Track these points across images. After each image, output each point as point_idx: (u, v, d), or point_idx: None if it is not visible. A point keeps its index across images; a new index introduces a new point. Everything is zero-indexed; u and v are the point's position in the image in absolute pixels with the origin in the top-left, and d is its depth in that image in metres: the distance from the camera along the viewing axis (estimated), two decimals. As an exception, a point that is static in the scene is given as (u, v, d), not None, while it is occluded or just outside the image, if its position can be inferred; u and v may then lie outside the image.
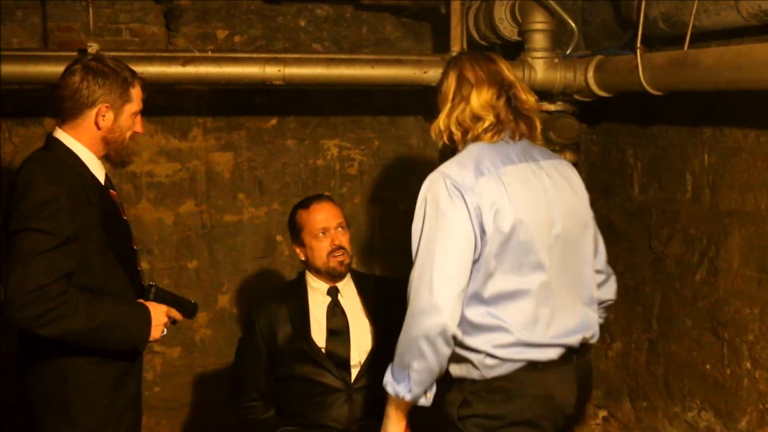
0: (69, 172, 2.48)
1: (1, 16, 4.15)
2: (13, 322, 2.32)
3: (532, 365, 2.37)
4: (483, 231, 2.32)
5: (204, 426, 4.64)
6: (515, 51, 4.41)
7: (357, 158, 4.88)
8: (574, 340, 2.46)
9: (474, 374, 2.39)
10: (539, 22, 4.28)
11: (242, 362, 3.20)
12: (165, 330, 2.63)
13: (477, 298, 2.36)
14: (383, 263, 4.91)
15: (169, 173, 4.58)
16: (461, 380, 2.42)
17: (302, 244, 3.16)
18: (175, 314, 2.68)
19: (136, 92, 2.60)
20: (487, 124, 2.43)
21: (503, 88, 2.46)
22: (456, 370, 2.43)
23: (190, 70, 3.93)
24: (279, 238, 4.77)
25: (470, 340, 2.36)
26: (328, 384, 3.05)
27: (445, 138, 2.49)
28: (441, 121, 2.48)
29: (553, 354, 2.41)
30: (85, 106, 2.52)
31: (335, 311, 3.12)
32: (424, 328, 2.30)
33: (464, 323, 2.36)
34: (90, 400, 2.52)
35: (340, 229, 3.13)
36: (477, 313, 2.36)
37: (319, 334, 3.09)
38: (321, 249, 3.10)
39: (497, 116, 2.44)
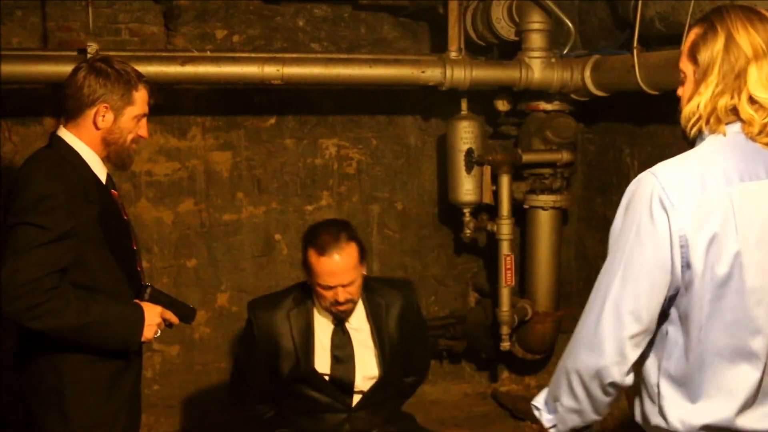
0: (69, 169, 2.49)
1: (1, 16, 4.16)
2: (3, 314, 2.33)
3: None
4: (687, 265, 1.74)
5: (203, 424, 4.65)
6: (512, 51, 4.44)
7: (355, 157, 4.89)
8: None
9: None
10: (536, 22, 4.30)
11: (244, 369, 3.10)
12: (159, 331, 2.63)
13: (677, 354, 1.81)
14: (381, 262, 4.93)
15: (168, 172, 4.59)
16: None
17: (309, 278, 2.95)
18: (171, 317, 2.66)
19: (139, 95, 2.59)
20: None
21: None
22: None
23: (189, 69, 3.96)
24: (277, 236, 4.79)
25: (663, 403, 1.84)
26: (328, 404, 2.99)
27: (701, 126, 1.82)
28: (701, 103, 1.80)
29: None
30: (85, 105, 2.53)
31: (341, 337, 2.97)
32: (579, 363, 1.85)
33: (653, 384, 1.86)
34: (84, 398, 2.53)
35: (349, 283, 2.88)
36: (670, 375, 1.83)
37: (323, 358, 2.97)
38: (325, 299, 2.90)
39: None
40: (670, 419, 1.81)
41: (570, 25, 4.30)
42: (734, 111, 1.77)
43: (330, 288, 2.86)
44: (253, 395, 3.12)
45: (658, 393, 1.84)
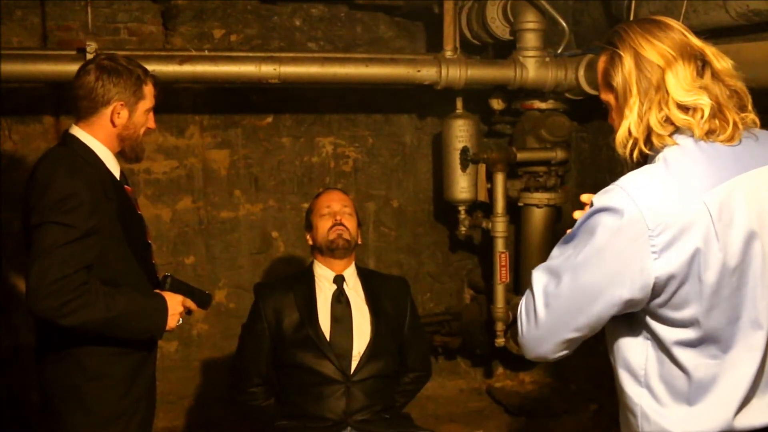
0: (87, 167, 2.53)
1: (1, 16, 4.19)
2: (34, 313, 2.37)
3: None
4: (668, 280, 1.65)
5: (200, 419, 4.69)
6: (507, 50, 4.48)
7: (351, 155, 4.93)
8: None
9: None
10: (531, 21, 4.34)
11: (245, 348, 3.24)
12: (181, 320, 2.68)
13: (668, 364, 1.73)
14: (377, 259, 4.97)
15: (167, 170, 4.63)
16: None
17: (311, 228, 3.28)
18: (190, 304, 2.73)
19: (148, 89, 2.65)
20: (707, 111, 1.69)
21: (698, 59, 1.73)
22: None
23: (187, 68, 3.99)
24: (275, 234, 4.82)
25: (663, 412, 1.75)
26: (328, 375, 3.09)
27: (641, 147, 1.75)
28: (631, 125, 1.74)
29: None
30: (100, 104, 2.57)
31: (340, 299, 3.20)
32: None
33: (654, 388, 1.76)
34: (106, 391, 2.57)
35: (345, 209, 3.26)
36: (664, 381, 1.74)
37: (323, 321, 3.16)
38: (324, 226, 3.21)
39: (716, 100, 1.71)
40: (668, 427, 1.73)
41: (564, 24, 4.34)
42: (668, 121, 1.71)
43: (330, 213, 3.23)
44: (253, 376, 3.20)
45: (651, 402, 1.75)
